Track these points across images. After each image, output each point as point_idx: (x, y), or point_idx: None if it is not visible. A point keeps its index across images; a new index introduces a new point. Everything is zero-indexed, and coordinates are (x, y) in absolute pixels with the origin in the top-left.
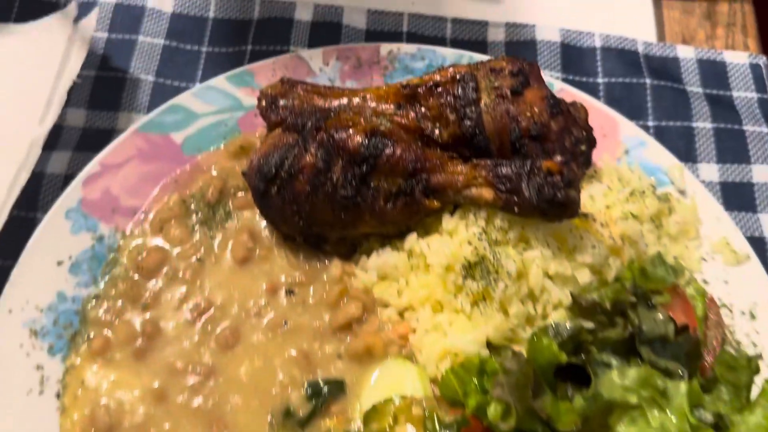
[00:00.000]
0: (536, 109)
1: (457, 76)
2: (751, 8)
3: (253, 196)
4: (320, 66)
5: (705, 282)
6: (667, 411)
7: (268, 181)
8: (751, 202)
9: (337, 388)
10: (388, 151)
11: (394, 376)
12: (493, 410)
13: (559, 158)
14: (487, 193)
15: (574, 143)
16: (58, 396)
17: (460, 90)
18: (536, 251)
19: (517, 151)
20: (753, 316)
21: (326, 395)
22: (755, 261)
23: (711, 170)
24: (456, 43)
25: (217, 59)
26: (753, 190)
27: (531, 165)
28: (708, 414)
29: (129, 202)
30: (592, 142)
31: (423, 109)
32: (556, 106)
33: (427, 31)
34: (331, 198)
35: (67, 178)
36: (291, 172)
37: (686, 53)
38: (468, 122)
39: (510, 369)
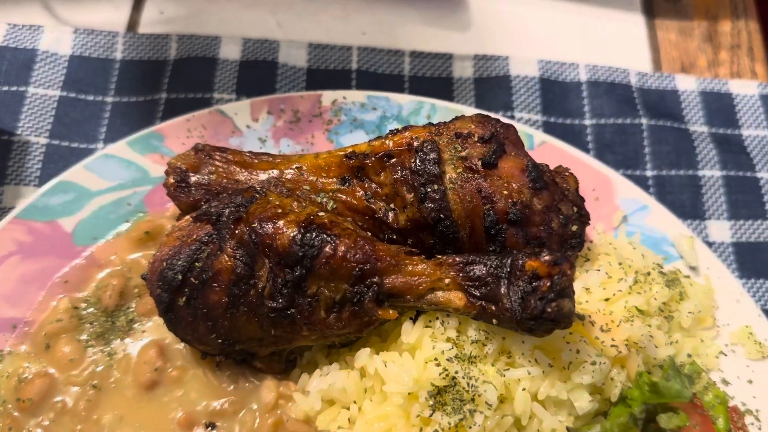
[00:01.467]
0: (515, 185)
1: (415, 144)
2: (757, 27)
3: (157, 308)
4: (247, 122)
5: (725, 382)
6: None
7: (174, 290)
8: None
9: None
10: (328, 249)
11: None
12: None
13: (546, 256)
14: (456, 299)
15: (563, 224)
16: None
17: (418, 162)
18: (522, 370)
19: (493, 239)
20: None
21: None
22: None
23: (722, 229)
24: (416, 81)
25: (124, 111)
26: None
27: (511, 265)
28: None
29: (7, 312)
30: (584, 219)
31: (373, 186)
32: (539, 179)
33: (381, 67)
34: (256, 311)
35: None
36: (203, 278)
37: (687, 84)
38: (430, 204)
39: None
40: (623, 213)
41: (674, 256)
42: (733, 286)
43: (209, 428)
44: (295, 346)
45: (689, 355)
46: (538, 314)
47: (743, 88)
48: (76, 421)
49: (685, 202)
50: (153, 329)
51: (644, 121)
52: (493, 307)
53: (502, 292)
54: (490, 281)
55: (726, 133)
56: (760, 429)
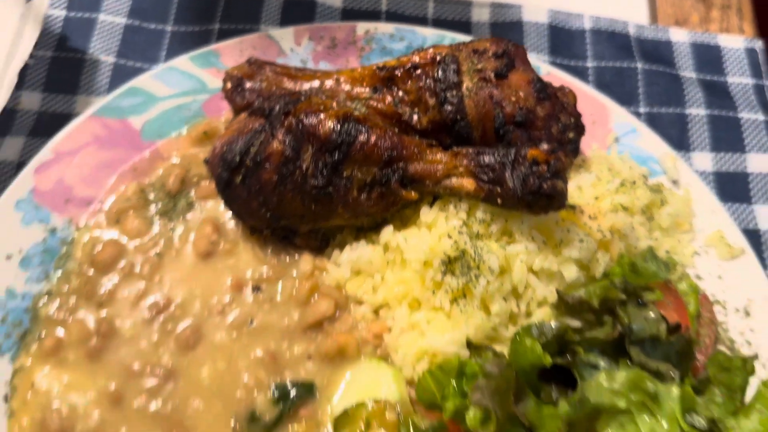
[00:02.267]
0: (522, 94)
1: (438, 58)
2: None
3: (216, 186)
4: (291, 46)
5: (698, 278)
6: (658, 416)
7: (233, 170)
8: (746, 193)
9: (307, 390)
10: (362, 137)
11: (367, 378)
12: (472, 416)
13: (545, 146)
14: (468, 184)
15: (562, 130)
16: (6, 399)
17: (440, 72)
18: (520, 245)
19: (501, 139)
20: (747, 314)
21: (294, 399)
22: (750, 255)
23: (705, 159)
24: (438, 23)
25: (182, 39)
26: (748, 181)
27: (515, 153)
28: (701, 419)
29: (84, 191)
30: (580, 129)
31: (401, 93)
32: (543, 90)
33: (407, 10)
34: (300, 188)
35: (20, 166)
36: (257, 159)
37: (679, 36)
38: (449, 107)
39: (490, 372)
40: (616, 134)
41: (659, 172)
42: (709, 200)
43: (255, 290)
44: (331, 224)
45: (667, 252)
46: (535, 190)
47: (730, 42)
48: (140, 281)
49: (673, 136)
50: (210, 210)
51: (639, 65)
52: (499, 189)
53: (507, 175)
54: (497, 167)
55: (713, 79)
56: (726, 316)
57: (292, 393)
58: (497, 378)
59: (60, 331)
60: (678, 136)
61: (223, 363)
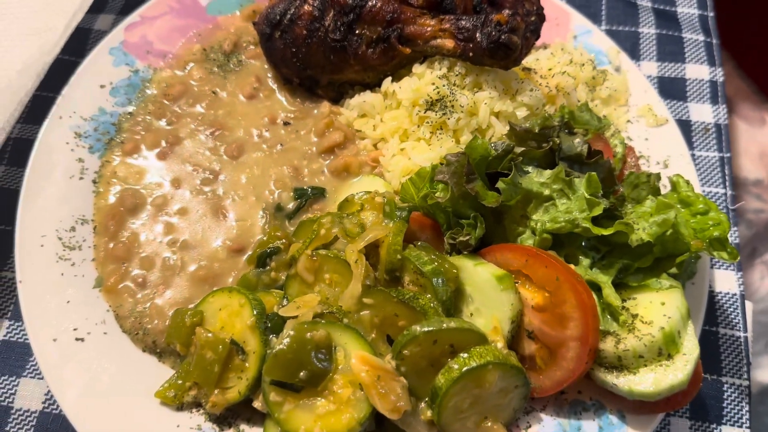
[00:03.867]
0: None
1: None
2: None
3: (260, 41)
4: None
5: (629, 139)
6: (572, 198)
7: (274, 26)
8: (683, 93)
9: (319, 192)
10: (371, 3)
11: (365, 185)
12: (437, 193)
13: (506, 11)
14: (449, 43)
15: (526, 14)
16: (94, 182)
17: None
18: (486, 93)
19: (478, 14)
20: (666, 165)
21: (310, 196)
22: (672, 123)
23: (651, 67)
24: None
25: None
26: (685, 84)
27: (485, 18)
28: (605, 201)
29: (161, 46)
30: (541, 17)
31: None
32: None
33: None
34: (323, 42)
35: None
36: (292, 18)
37: None
38: None
39: (450, 160)
40: (574, 33)
41: (606, 63)
42: (642, 82)
43: (286, 124)
44: (344, 77)
45: (604, 116)
46: (496, 40)
47: None
48: (199, 109)
49: (627, 48)
50: (254, 67)
51: None
52: (471, 45)
53: (477, 34)
54: (470, 29)
55: (665, 8)
56: (648, 167)
57: (309, 192)
58: (455, 163)
59: (137, 138)
60: (631, 48)
61: (259, 171)
